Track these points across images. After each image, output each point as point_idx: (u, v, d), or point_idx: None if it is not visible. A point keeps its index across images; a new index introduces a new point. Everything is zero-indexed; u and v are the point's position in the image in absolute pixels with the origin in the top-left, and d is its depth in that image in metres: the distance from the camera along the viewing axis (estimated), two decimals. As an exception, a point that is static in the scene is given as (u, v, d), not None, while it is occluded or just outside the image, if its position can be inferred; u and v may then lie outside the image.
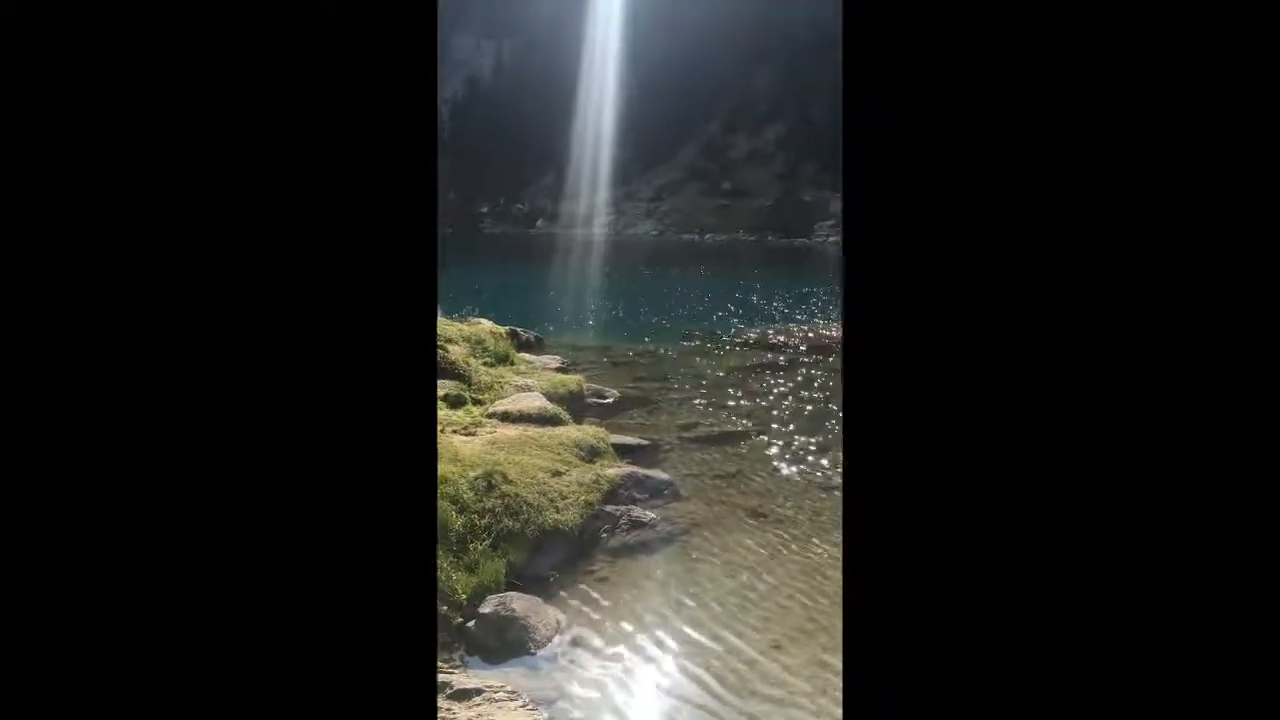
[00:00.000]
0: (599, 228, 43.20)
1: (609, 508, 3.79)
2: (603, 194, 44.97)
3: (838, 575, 3.24)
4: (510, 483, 3.56)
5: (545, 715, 2.26)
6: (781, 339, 9.12)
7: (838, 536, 3.63)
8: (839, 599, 3.00)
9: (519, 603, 2.83)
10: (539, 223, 45.51)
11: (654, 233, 42.13)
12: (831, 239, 35.74)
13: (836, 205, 38.14)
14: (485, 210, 46.53)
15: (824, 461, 4.76)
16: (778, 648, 2.69)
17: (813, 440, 5.17)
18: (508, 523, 3.31)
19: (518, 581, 3.08)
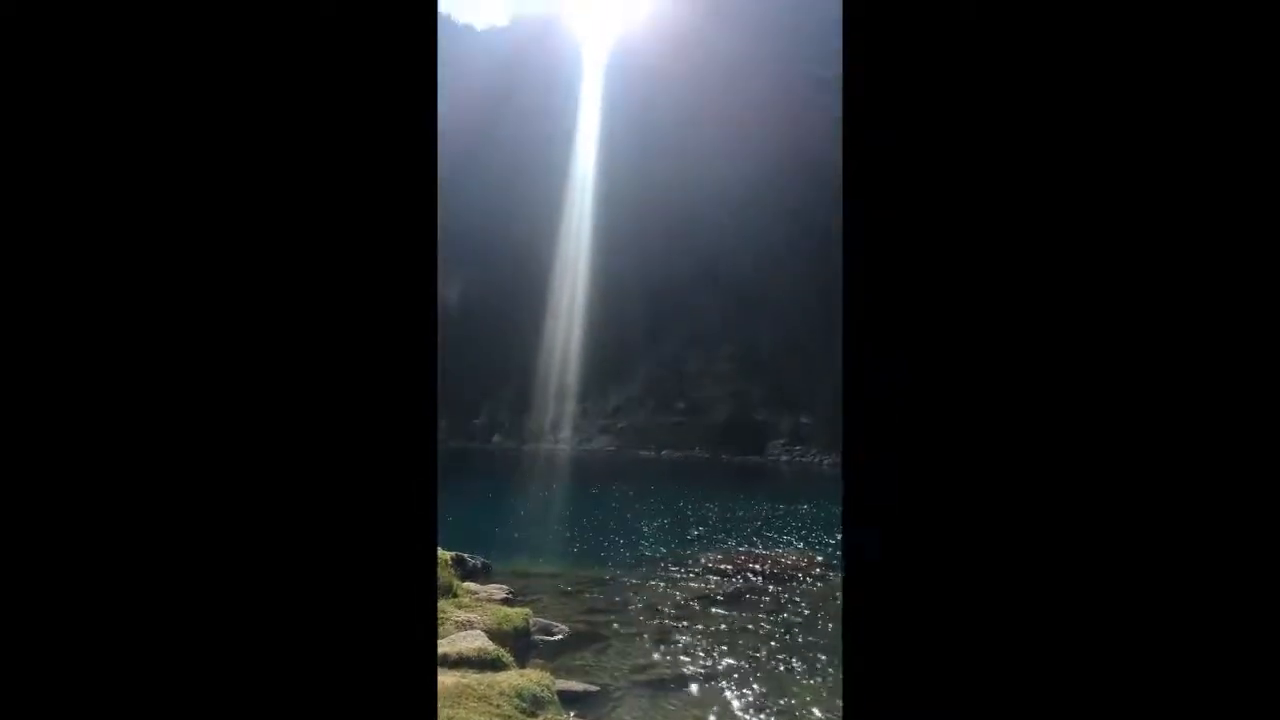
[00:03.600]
0: (556, 443, 43.41)
1: (550, 773, 3.42)
2: (560, 409, 45.72)
3: None
4: (441, 745, 3.22)
5: None
6: (739, 565, 8.90)
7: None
8: None
9: None
10: (495, 437, 45.62)
11: (611, 448, 42.41)
12: (784, 457, 36.33)
13: (787, 424, 39.29)
14: (442, 424, 46.61)
15: (785, 709, 4.44)
16: None
17: (772, 684, 4.87)
18: (434, 796, 2.95)
19: None
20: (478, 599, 6.32)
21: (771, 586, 7.91)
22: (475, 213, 50.06)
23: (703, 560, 9.24)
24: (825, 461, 33.29)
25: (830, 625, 6.36)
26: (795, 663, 5.33)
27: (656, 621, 6.40)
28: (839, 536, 11.32)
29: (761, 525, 13.09)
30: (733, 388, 43.96)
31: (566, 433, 44.69)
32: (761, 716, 4.34)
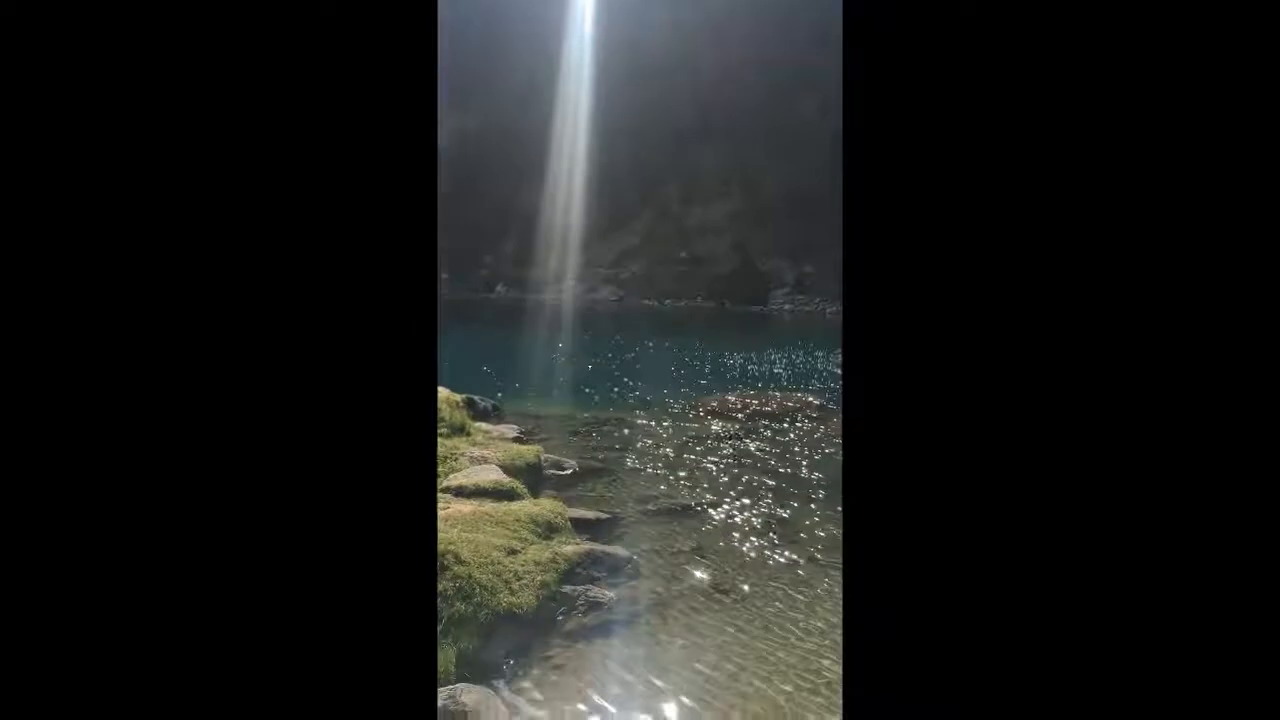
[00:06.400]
0: (560, 293, 43.47)
1: (566, 588, 3.66)
2: (563, 260, 45.42)
3: (802, 657, 3.14)
4: (463, 563, 3.41)
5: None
6: (741, 407, 9.14)
7: (800, 614, 3.55)
8: (803, 684, 2.91)
9: (469, 695, 2.67)
10: (499, 288, 45.63)
11: (614, 298, 42.53)
12: (787, 306, 36.47)
13: (790, 274, 39.11)
14: (444, 275, 46.58)
15: (785, 535, 4.69)
16: (742, 740, 2.57)
17: (774, 512, 5.12)
18: (459, 606, 3.16)
19: (468, 672, 2.92)
20: (490, 437, 6.54)
21: (771, 424, 8.17)
22: (473, 51, 47.22)
23: (705, 403, 9.49)
24: (829, 310, 33.40)
25: (823, 453, 6.62)
26: (793, 489, 5.58)
27: (663, 457, 6.66)
28: (837, 384, 11.56)
29: (763, 371, 13.34)
30: (735, 237, 43.38)
31: (569, 283, 44.62)
32: (766, 539, 4.59)
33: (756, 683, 2.95)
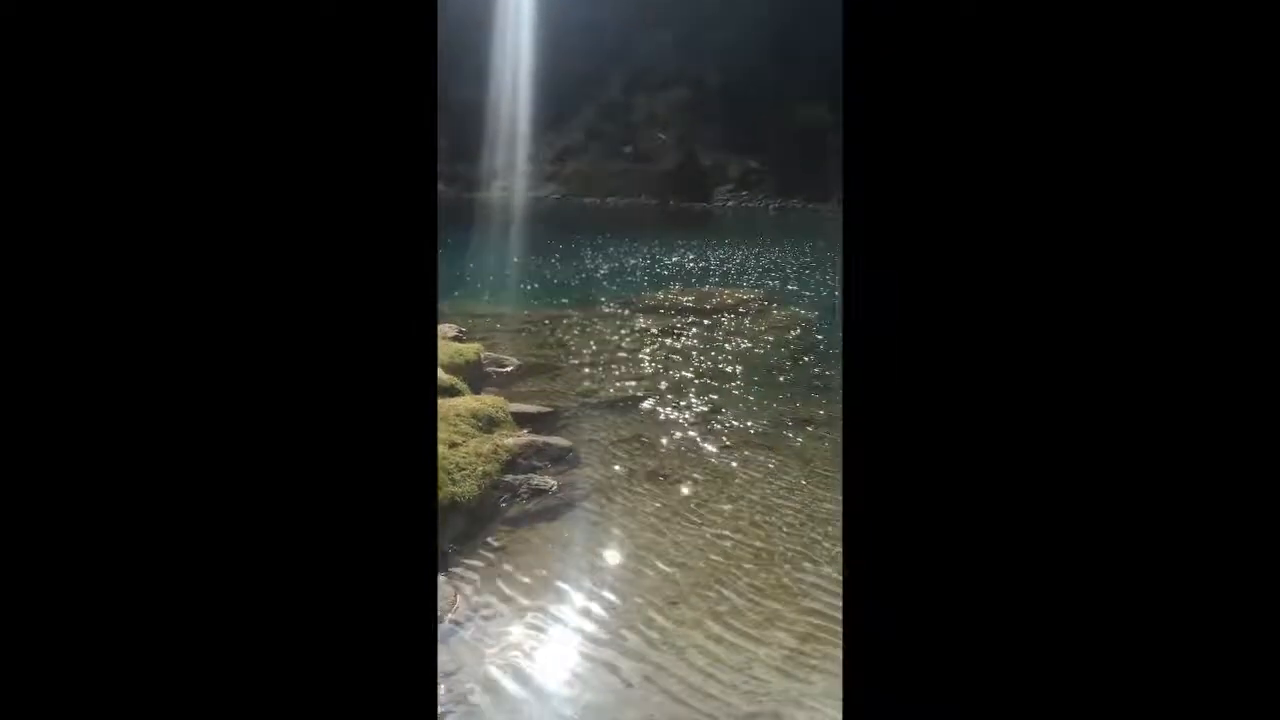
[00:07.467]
0: (499, 190, 42.22)
1: (508, 477, 3.78)
2: (503, 156, 43.90)
3: (731, 532, 3.36)
4: (404, 456, 3.49)
5: (441, 689, 2.27)
6: (678, 303, 9.25)
7: (732, 495, 3.76)
8: (734, 554, 3.14)
9: (415, 577, 2.80)
10: (438, 185, 43.99)
11: (556, 196, 41.58)
12: (730, 203, 36.28)
13: (735, 170, 38.70)
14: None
15: (719, 424, 4.89)
16: (675, 604, 2.78)
17: (708, 403, 5.31)
18: (402, 497, 3.26)
19: (413, 556, 3.05)
20: (429, 337, 6.50)
21: (709, 320, 8.33)
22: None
23: (650, 299, 9.57)
24: (772, 206, 33.41)
25: (748, 348, 6.83)
26: (716, 383, 5.78)
27: (605, 353, 6.76)
28: (771, 280, 11.74)
29: (701, 268, 13.42)
30: (680, 132, 42.45)
31: (510, 180, 43.32)
32: (702, 428, 4.79)
33: (697, 553, 3.17)
